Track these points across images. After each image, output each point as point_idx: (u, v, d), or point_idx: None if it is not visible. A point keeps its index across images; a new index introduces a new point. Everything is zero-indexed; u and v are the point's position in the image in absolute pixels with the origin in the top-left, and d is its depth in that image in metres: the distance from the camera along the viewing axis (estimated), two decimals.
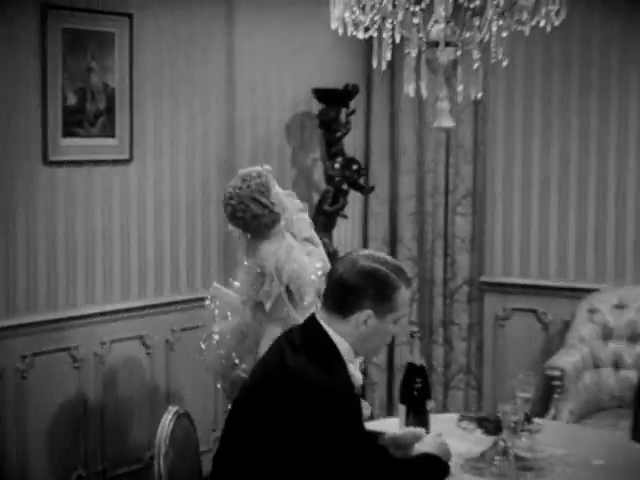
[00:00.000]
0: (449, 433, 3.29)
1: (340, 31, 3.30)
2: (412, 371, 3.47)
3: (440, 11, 3.04)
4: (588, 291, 5.82)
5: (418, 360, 3.47)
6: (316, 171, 6.11)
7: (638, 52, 5.80)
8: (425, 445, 3.04)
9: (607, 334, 5.63)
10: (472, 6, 3.04)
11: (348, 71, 6.21)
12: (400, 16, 3.07)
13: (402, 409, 3.40)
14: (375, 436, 3.11)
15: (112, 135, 5.17)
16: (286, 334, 2.99)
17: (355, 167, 5.91)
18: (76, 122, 5.02)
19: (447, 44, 3.19)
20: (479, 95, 3.34)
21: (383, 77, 6.23)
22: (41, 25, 4.84)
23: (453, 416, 3.71)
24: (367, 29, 3.32)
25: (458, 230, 6.31)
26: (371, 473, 2.77)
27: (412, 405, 3.41)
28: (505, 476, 3.09)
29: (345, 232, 6.28)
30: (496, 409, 3.18)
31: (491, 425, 3.25)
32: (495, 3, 3.12)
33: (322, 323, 2.88)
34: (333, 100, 5.81)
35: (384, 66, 3.35)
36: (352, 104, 5.94)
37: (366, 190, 6.04)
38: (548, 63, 6.00)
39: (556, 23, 3.15)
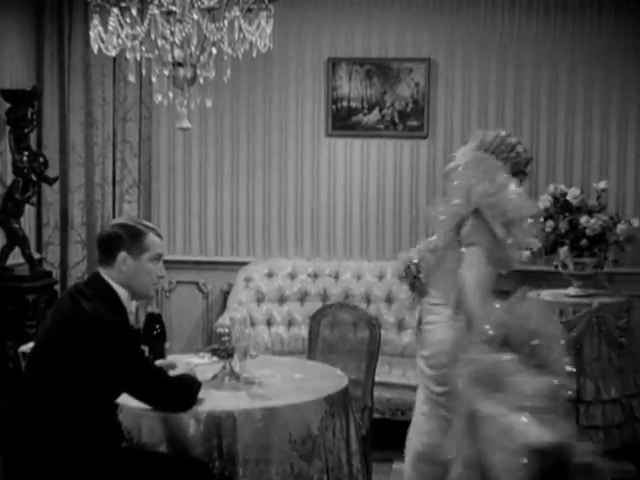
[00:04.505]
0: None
1: (95, 49, 4.15)
2: (151, 319, 4.42)
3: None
4: (241, 264, 6.99)
5: (156, 310, 4.42)
6: (0, 163, 6.69)
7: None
8: (179, 370, 4.02)
9: (260, 298, 6.84)
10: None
11: (22, 74, 6.85)
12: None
13: (146, 349, 4.32)
14: None
15: None
16: (75, 287, 3.83)
17: (41, 160, 6.60)
18: None
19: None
20: (209, 104, 4.36)
21: (53, 81, 6.99)
22: None
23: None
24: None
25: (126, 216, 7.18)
26: (154, 379, 3.73)
27: (153, 346, 4.36)
28: (237, 388, 4.14)
29: (26, 218, 6.91)
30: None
31: (223, 352, 4.25)
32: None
33: (103, 275, 3.76)
34: (20, 100, 6.44)
35: (133, 80, 4.23)
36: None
37: (52, 181, 6.74)
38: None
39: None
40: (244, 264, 7.00)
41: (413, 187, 7.07)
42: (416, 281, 4.36)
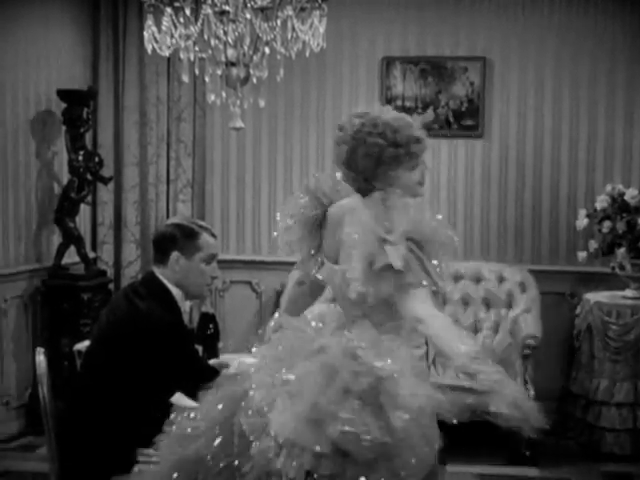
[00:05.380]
0: None
1: (149, 49, 4.16)
2: (205, 319, 4.42)
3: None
4: (294, 264, 6.96)
5: (210, 310, 4.42)
6: (56, 163, 6.76)
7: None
8: (232, 369, 4.00)
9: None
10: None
11: (78, 74, 6.92)
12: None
13: (199, 348, 4.33)
14: None
15: None
16: (130, 287, 3.84)
17: (96, 159, 6.66)
18: None
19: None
20: (262, 103, 4.35)
21: (108, 81, 7.04)
22: None
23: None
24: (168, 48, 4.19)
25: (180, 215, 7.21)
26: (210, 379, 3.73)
27: (207, 345, 4.37)
28: None
29: (81, 217, 6.97)
30: None
31: None
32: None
33: (157, 274, 3.77)
34: (76, 100, 6.50)
35: (187, 80, 4.24)
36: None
37: (107, 180, 6.79)
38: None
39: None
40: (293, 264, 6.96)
41: (468, 187, 7.01)
42: None
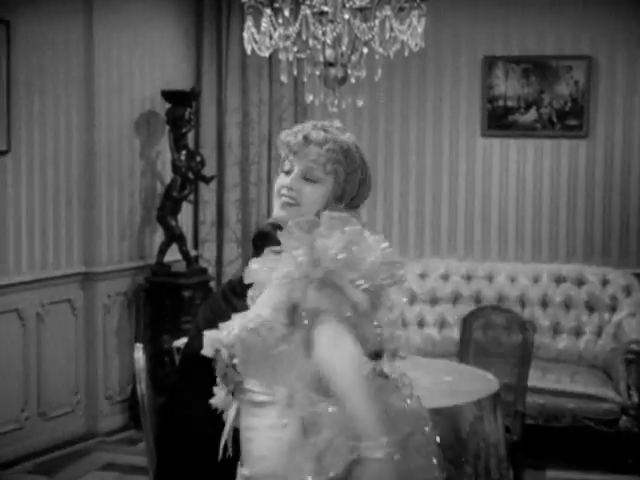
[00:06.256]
0: None
1: (249, 50, 4.20)
2: None
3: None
4: None
5: None
6: (159, 162, 6.88)
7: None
8: None
9: (412, 298, 6.78)
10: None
11: (182, 75, 7.03)
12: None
13: None
14: None
15: None
16: (228, 285, 3.87)
17: (198, 159, 6.75)
18: None
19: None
20: (360, 103, 4.35)
21: (211, 81, 7.13)
22: None
23: None
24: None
25: None
26: None
27: None
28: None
29: (184, 216, 7.08)
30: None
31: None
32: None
33: None
34: (179, 100, 6.60)
35: (285, 80, 4.27)
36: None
37: (209, 180, 6.88)
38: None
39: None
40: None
41: (571, 188, 6.89)
42: (229, 371, 2.95)
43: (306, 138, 2.62)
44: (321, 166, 2.61)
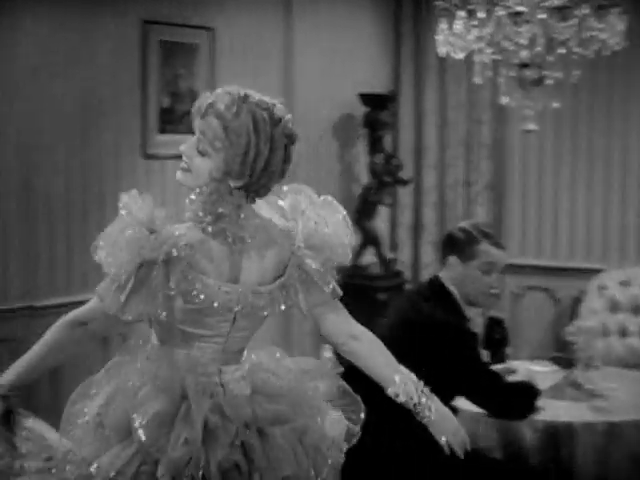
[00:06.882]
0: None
1: (443, 53, 4.17)
2: (493, 323, 4.37)
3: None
4: (594, 271, 6.73)
5: (500, 314, 4.36)
6: (356, 166, 6.93)
7: None
8: (519, 376, 3.94)
9: (614, 307, 6.54)
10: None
11: (379, 78, 7.05)
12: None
13: (485, 353, 4.27)
14: None
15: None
16: (415, 289, 3.87)
17: (395, 162, 6.76)
18: (168, 121, 5.83)
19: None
20: (556, 105, 4.25)
21: (409, 84, 7.12)
22: (142, 38, 5.63)
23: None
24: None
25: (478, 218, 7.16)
26: (491, 383, 3.67)
27: (493, 350, 4.30)
28: (579, 399, 3.99)
29: (380, 219, 7.10)
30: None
31: (565, 361, 4.12)
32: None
33: (440, 276, 3.78)
34: (377, 103, 6.64)
35: (480, 82, 4.21)
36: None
37: (406, 183, 6.88)
38: None
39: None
40: (597, 271, 6.72)
41: None
42: None
43: (210, 106, 2.51)
44: (208, 142, 2.50)
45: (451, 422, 2.69)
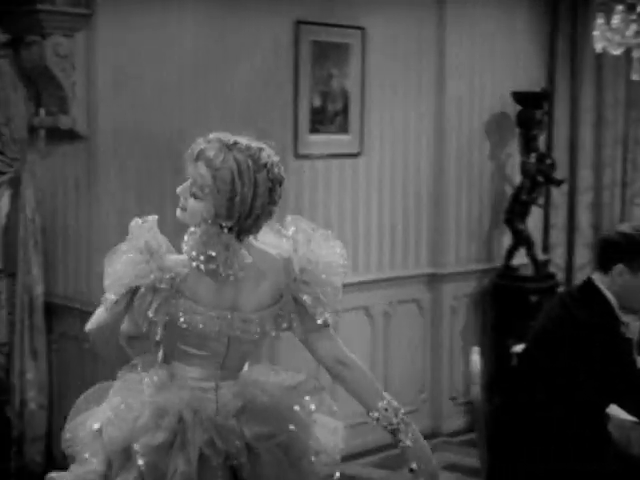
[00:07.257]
0: None
1: (600, 49, 4.05)
2: None
3: None
4: None
5: None
6: (508, 165, 6.81)
7: None
8: None
9: None
10: None
11: (532, 76, 6.91)
12: None
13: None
14: None
15: (346, 132, 5.99)
16: (567, 292, 3.78)
17: (549, 162, 6.62)
18: (319, 120, 5.86)
19: None
20: None
21: (564, 82, 6.95)
22: (294, 38, 5.69)
23: None
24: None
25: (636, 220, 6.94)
26: None
27: None
28: None
29: (533, 219, 6.96)
30: None
31: None
32: None
33: (595, 281, 3.66)
34: (531, 102, 6.51)
35: (638, 78, 4.07)
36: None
37: (559, 183, 6.72)
38: None
39: None
40: None
41: None
42: None
43: (201, 153, 2.66)
44: (199, 187, 2.64)
45: (425, 452, 2.77)
